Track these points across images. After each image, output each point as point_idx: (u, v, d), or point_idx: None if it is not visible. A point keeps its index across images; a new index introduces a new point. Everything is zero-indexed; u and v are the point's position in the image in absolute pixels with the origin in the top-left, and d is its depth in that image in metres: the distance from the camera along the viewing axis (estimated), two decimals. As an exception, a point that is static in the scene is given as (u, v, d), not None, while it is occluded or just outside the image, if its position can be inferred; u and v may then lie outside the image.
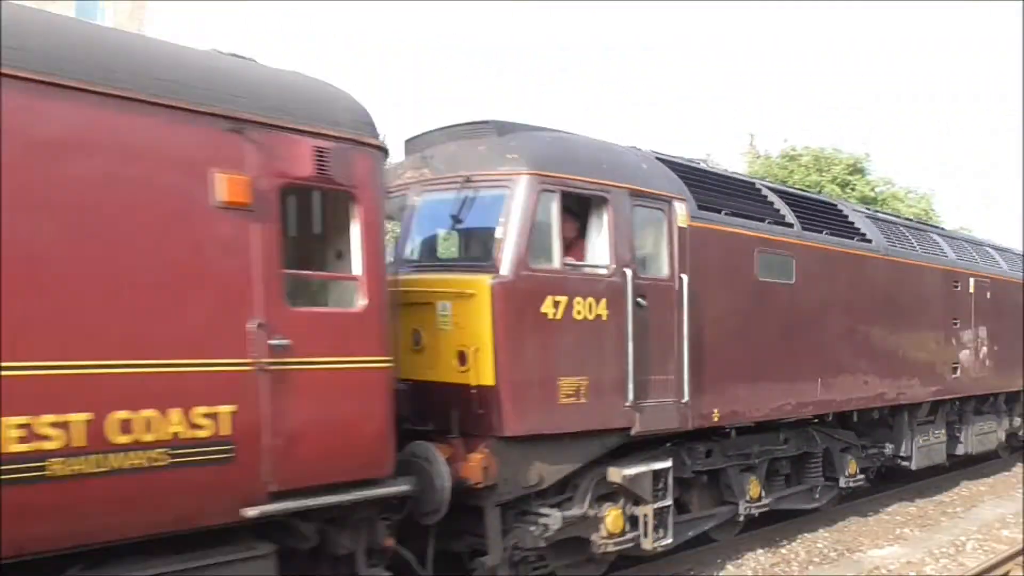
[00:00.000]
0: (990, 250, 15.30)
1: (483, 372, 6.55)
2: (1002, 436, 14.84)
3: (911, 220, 14.20)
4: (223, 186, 4.86)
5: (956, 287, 12.94)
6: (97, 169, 4.46)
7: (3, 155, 4.08)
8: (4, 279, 4.05)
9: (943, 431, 12.79)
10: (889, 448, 11.72)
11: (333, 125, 5.47)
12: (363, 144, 5.63)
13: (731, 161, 33.05)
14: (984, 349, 13.60)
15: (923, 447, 12.17)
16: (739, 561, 9.24)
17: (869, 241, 11.14)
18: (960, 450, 13.49)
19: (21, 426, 4.08)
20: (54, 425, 4.18)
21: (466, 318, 6.60)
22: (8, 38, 4.23)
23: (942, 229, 15.35)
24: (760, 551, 9.60)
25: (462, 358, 6.60)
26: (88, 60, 4.52)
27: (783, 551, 9.71)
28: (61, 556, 4.38)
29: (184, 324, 4.74)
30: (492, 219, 6.83)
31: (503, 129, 7.36)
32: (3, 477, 4.01)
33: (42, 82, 4.27)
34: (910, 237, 12.43)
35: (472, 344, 6.56)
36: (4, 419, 4.02)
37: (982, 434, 14.04)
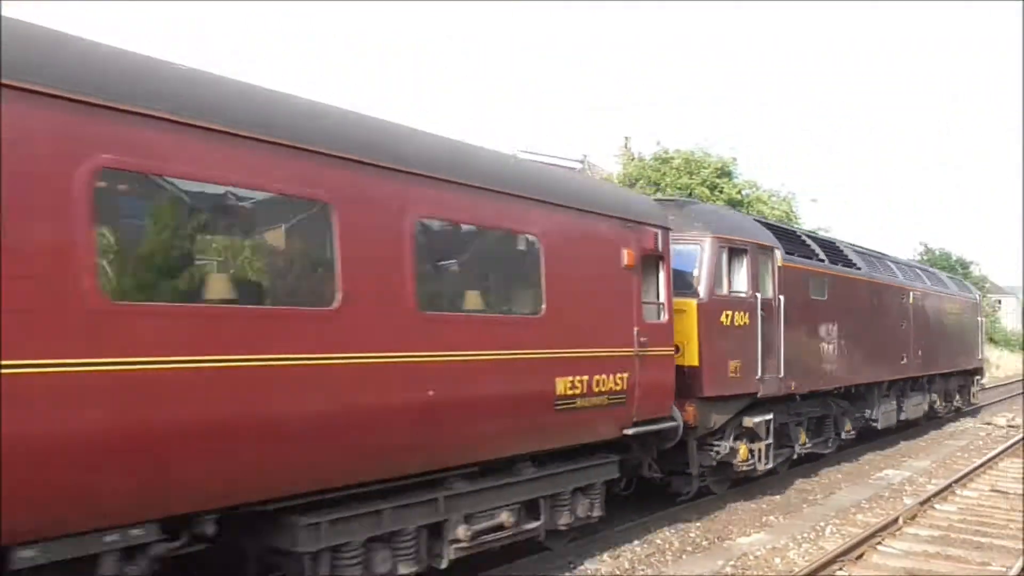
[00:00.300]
0: (919, 270, 21.63)
1: (691, 357, 10.91)
2: (926, 407, 20.56)
3: (875, 251, 19.17)
4: (625, 256, 9.21)
5: (902, 299, 18.42)
6: (585, 248, 8.81)
7: (570, 259, 8.57)
8: (567, 309, 8.37)
9: (894, 402, 18.08)
10: (868, 413, 16.77)
11: (658, 220, 10.07)
12: (665, 228, 10.09)
13: (606, 163, 34.65)
14: (917, 344, 18.91)
15: (885, 413, 17.37)
16: (616, 552, 9.49)
17: (859, 268, 16.50)
18: (903, 416, 18.63)
19: (568, 383, 8.30)
20: (575, 383, 8.41)
21: (681, 325, 10.59)
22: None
23: (894, 257, 20.60)
24: (636, 542, 9.88)
25: (678, 349, 10.50)
26: (582, 196, 9.20)
27: (658, 541, 10.02)
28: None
29: (613, 330, 9.08)
30: (691, 264, 11.39)
31: (681, 204, 12.85)
32: (559, 407, 8.27)
33: (582, 210, 8.88)
34: (877, 263, 18.00)
35: (684, 340, 10.81)
36: (559, 378, 8.21)
37: (915, 405, 19.58)
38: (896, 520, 10.97)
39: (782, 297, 12.65)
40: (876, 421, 17.01)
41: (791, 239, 14.19)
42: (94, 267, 4.86)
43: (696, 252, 11.45)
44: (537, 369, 7.96)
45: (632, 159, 29.74)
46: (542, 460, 8.46)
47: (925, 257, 64.39)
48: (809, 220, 29.56)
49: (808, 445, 14.24)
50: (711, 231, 11.69)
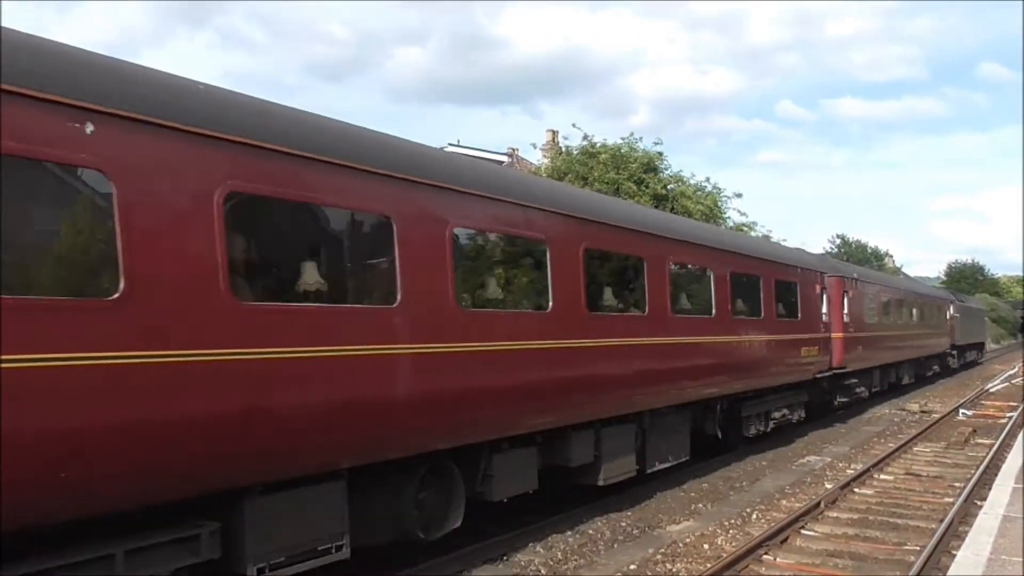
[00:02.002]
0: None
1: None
2: (912, 378, 31.28)
3: (900, 277, 33.94)
4: (834, 291, 20.36)
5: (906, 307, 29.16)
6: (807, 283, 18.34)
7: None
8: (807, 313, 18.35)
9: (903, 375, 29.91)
10: (894, 378, 28.11)
11: (832, 269, 20.99)
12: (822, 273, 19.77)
13: (533, 155, 34.62)
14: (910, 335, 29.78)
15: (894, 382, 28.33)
16: (548, 543, 9.56)
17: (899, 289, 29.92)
18: (903, 381, 29.85)
19: (806, 351, 17.98)
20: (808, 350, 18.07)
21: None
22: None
23: (905, 275, 31.41)
24: (568, 533, 9.99)
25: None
26: (802, 259, 19.36)
27: (590, 532, 10.12)
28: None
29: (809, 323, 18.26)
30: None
31: (801, 250, 22.98)
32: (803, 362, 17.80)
33: (740, 255, 15.21)
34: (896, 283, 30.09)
35: None
36: (804, 347, 17.66)
37: (908, 376, 30.63)
38: (818, 505, 11.32)
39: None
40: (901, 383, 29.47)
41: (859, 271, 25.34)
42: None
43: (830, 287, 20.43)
44: (796, 344, 17.26)
45: (560, 153, 29.80)
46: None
47: (841, 249, 66.59)
48: (733, 216, 30.07)
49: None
50: (829, 270, 20.84)
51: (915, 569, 8.29)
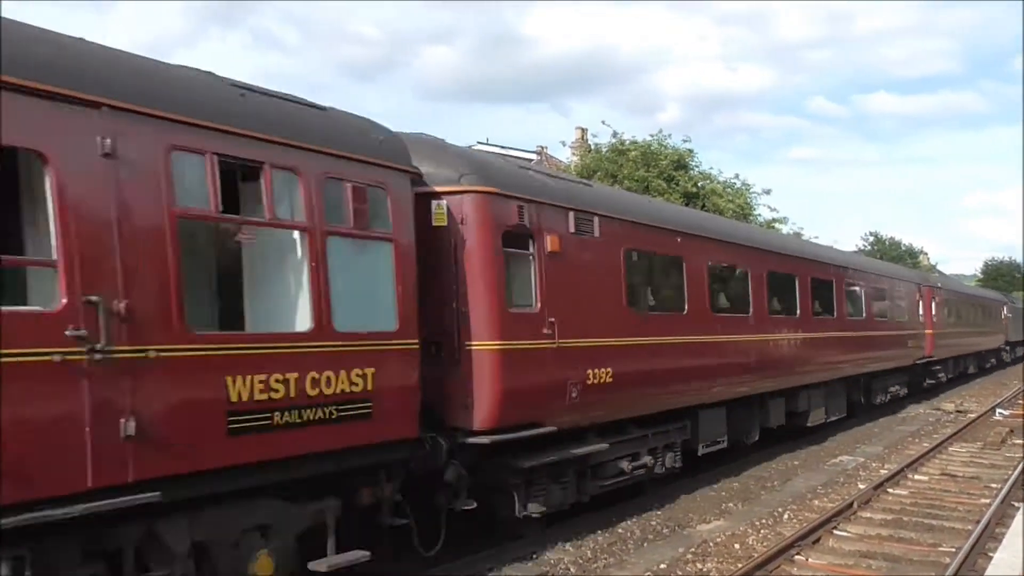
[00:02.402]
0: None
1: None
2: (976, 368, 36.45)
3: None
4: (926, 297, 26.61)
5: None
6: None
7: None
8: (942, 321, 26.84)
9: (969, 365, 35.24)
10: (963, 368, 33.46)
11: (924, 280, 28.22)
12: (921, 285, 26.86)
13: (562, 153, 34.59)
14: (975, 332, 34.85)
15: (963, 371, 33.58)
16: (579, 542, 9.52)
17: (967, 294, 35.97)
18: (968, 371, 34.82)
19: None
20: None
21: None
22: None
23: (940, 273, 33.46)
24: (598, 531, 9.94)
25: None
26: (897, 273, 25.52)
27: (620, 531, 10.09)
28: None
29: (914, 323, 25.55)
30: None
31: (901, 267, 32.02)
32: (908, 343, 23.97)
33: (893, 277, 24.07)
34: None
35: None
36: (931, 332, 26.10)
37: (973, 366, 35.91)
38: (851, 505, 11.20)
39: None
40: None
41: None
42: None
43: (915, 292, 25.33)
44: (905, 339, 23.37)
45: (589, 151, 29.76)
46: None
47: (874, 247, 65.81)
48: (763, 212, 29.87)
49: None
50: (918, 281, 26.17)
51: (951, 571, 8.19)
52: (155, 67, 6.06)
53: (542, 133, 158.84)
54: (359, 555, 6.78)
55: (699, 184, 27.17)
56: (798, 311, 16.04)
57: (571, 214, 9.58)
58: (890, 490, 12.60)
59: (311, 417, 6.38)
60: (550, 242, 9.13)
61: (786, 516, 11.06)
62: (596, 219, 9.97)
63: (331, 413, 6.56)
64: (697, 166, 28.15)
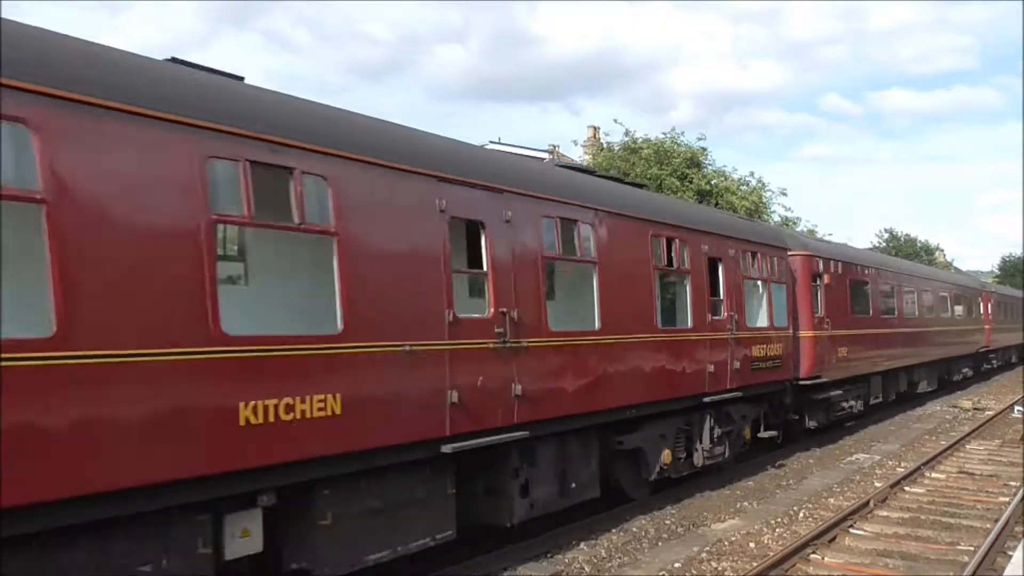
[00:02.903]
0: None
1: None
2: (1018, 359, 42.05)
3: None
4: (985, 301, 34.05)
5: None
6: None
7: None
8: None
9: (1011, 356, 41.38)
10: (1013, 358, 41.15)
11: (982, 286, 36.19)
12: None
13: (574, 152, 34.56)
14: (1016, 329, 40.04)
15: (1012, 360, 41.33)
16: (593, 540, 9.54)
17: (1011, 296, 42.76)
18: (1011, 360, 40.61)
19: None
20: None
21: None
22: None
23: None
24: (613, 530, 9.94)
25: None
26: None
27: (634, 530, 10.08)
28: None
29: (978, 318, 33.73)
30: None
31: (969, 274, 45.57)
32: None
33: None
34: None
35: None
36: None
37: (1015, 356, 42.13)
38: (867, 503, 11.13)
39: None
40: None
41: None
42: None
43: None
44: (972, 332, 31.31)
45: (601, 149, 29.68)
46: None
47: (889, 244, 65.40)
48: (778, 211, 29.74)
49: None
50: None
51: (969, 569, 8.10)
52: (541, 170, 11.43)
53: (554, 132, 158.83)
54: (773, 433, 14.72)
55: (712, 182, 27.05)
56: (917, 313, 23.82)
57: (832, 263, 17.43)
58: (907, 488, 12.50)
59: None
60: (827, 278, 16.80)
61: (802, 515, 10.99)
62: (840, 264, 17.76)
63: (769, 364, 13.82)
64: (711, 164, 28.05)
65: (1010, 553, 7.91)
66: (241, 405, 5.64)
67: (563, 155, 34.71)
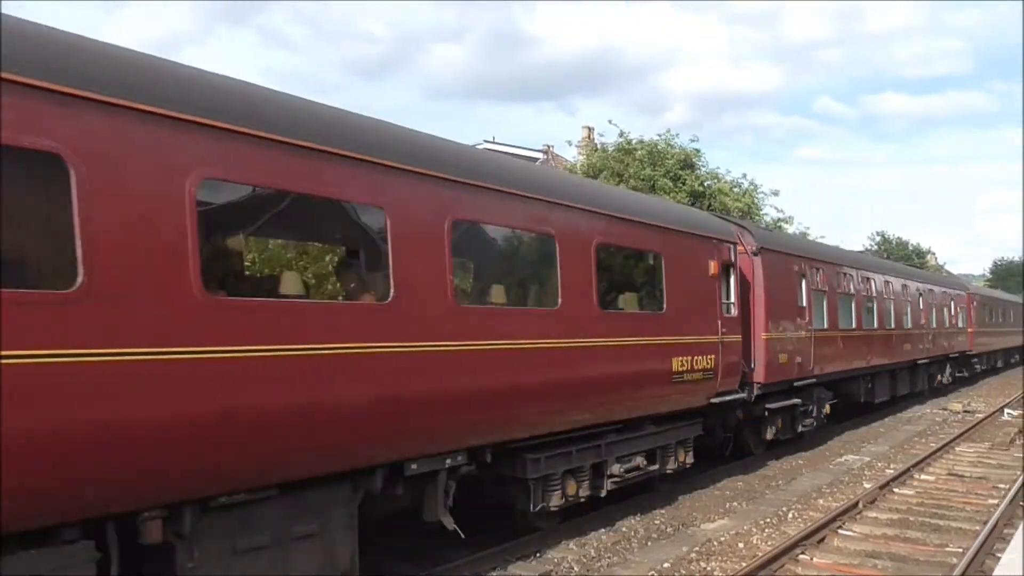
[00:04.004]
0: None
1: None
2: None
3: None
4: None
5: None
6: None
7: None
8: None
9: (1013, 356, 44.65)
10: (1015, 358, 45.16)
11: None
12: None
13: (568, 152, 34.47)
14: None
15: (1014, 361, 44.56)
16: (583, 540, 9.53)
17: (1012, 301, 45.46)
18: (1012, 359, 44.36)
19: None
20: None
21: None
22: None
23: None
24: (602, 530, 9.94)
25: None
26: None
27: (624, 529, 10.08)
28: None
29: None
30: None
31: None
32: None
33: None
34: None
35: None
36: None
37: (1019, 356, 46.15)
38: (856, 504, 11.14)
39: None
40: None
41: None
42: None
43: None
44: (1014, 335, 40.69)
45: (595, 150, 29.67)
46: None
47: (881, 247, 65.63)
48: (770, 212, 29.75)
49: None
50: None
51: (958, 571, 8.12)
52: (692, 215, 13.36)
53: (549, 132, 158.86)
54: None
55: (705, 183, 27.06)
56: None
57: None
58: (896, 490, 12.52)
59: None
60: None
61: (791, 515, 11.00)
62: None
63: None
64: (704, 165, 28.05)
65: (999, 555, 7.92)
66: None
67: (557, 155, 34.71)
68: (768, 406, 14.15)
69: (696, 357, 11.51)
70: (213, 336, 5.40)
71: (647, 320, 10.80)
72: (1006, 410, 22.69)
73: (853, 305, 18.79)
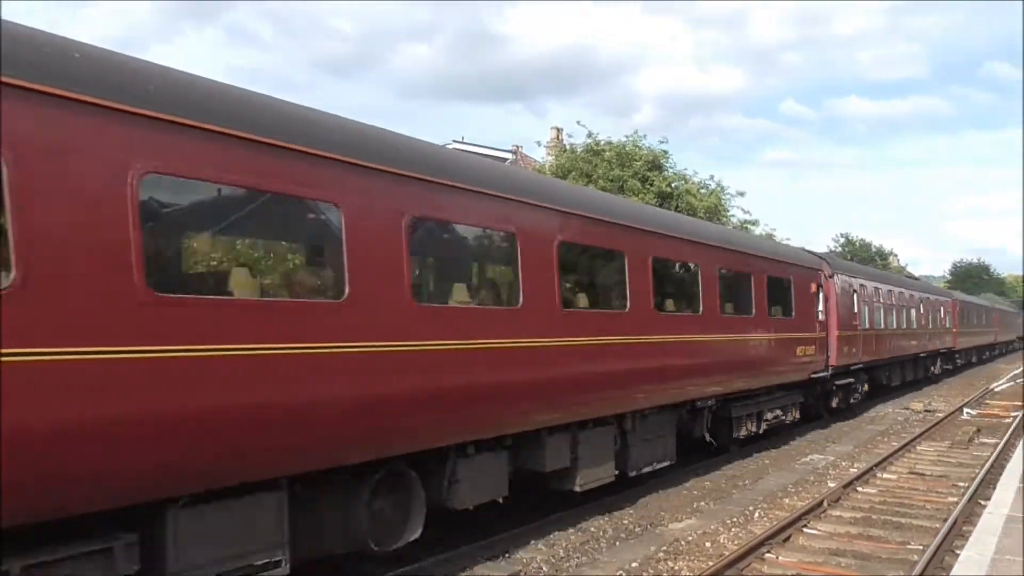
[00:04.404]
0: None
1: None
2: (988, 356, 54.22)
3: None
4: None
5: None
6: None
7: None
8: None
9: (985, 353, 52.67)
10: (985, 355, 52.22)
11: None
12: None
13: (537, 153, 34.53)
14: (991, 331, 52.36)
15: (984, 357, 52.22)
16: (551, 540, 9.55)
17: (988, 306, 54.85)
18: (984, 355, 51.71)
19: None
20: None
21: None
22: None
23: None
24: (570, 530, 9.97)
25: None
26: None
27: (592, 529, 10.11)
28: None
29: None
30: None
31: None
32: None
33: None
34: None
35: None
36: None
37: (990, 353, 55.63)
38: (821, 503, 11.30)
39: None
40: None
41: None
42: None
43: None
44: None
45: (564, 151, 29.77)
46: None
47: (845, 248, 66.54)
48: (737, 214, 30.03)
49: None
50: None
51: (919, 568, 8.26)
52: (802, 254, 19.11)
53: (519, 132, 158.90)
54: None
55: (673, 184, 27.27)
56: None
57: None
58: (859, 488, 12.71)
59: None
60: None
61: (757, 514, 11.11)
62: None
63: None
64: (672, 167, 28.26)
65: (958, 552, 8.06)
66: None
67: (526, 156, 34.74)
68: (836, 383, 19.93)
69: (807, 347, 17.03)
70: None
71: (785, 323, 16.09)
72: (965, 409, 23.15)
73: (882, 311, 24.39)
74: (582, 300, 10.29)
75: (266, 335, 5.90)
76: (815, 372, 17.78)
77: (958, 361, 40.21)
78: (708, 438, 13.76)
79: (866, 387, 22.88)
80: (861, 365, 21.42)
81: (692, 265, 12.72)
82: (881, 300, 24.28)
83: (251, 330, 5.82)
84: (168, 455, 5.30)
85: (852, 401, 21.71)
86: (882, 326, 24.11)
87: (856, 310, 20.84)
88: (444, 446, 7.96)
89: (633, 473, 11.36)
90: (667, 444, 12.30)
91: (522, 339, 8.65)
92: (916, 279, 49.54)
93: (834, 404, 20.38)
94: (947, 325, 35.88)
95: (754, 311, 14.60)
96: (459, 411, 7.83)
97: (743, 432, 14.94)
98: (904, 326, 27.32)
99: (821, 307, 18.29)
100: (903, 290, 28.25)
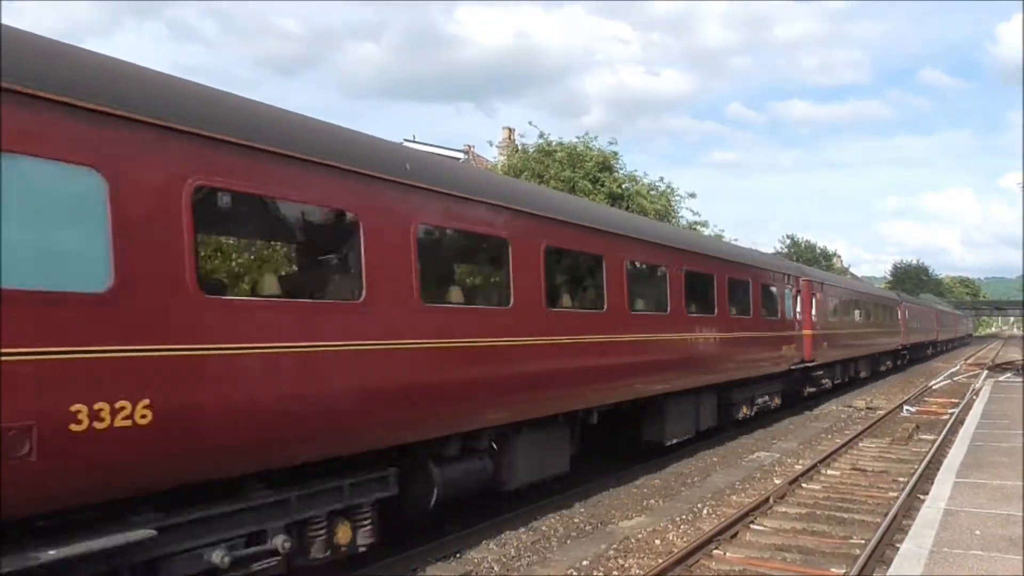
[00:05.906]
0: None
1: None
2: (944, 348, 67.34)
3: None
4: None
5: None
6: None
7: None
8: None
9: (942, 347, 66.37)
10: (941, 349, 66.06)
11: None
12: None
13: (489, 152, 34.56)
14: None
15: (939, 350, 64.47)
16: (502, 539, 9.61)
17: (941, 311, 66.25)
18: (941, 349, 66.56)
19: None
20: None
21: None
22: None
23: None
24: (521, 529, 10.04)
25: None
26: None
27: (543, 528, 10.18)
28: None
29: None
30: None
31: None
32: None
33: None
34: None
35: None
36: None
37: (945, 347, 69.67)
38: (767, 500, 11.50)
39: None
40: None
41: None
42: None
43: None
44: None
45: (516, 151, 29.84)
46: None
47: (791, 250, 67.84)
48: (686, 215, 30.47)
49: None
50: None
51: (860, 562, 8.45)
52: (786, 263, 23.48)
53: (469, 132, 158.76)
54: None
55: (624, 186, 27.53)
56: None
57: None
58: (804, 485, 12.97)
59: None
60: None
61: (705, 512, 11.27)
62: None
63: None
64: (622, 168, 28.53)
65: (898, 545, 8.27)
66: None
67: (478, 155, 34.72)
68: (811, 374, 23.26)
69: (788, 343, 20.25)
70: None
71: (774, 323, 19.42)
72: (905, 407, 23.78)
73: (846, 313, 27.74)
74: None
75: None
76: (793, 364, 21.25)
77: (906, 358, 44.61)
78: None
79: (836, 380, 26.96)
80: (831, 360, 25.35)
81: (711, 276, 16.08)
82: (849, 299, 28.64)
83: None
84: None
85: (823, 386, 25.27)
86: (845, 331, 27.80)
87: (824, 311, 24.51)
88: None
89: (672, 442, 14.70)
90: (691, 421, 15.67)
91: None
92: (859, 280, 51.27)
93: (806, 392, 23.67)
94: (899, 327, 40.74)
95: (752, 313, 18.02)
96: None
97: (740, 414, 18.14)
98: (866, 327, 31.81)
99: (798, 309, 21.67)
100: (863, 291, 33.33)
